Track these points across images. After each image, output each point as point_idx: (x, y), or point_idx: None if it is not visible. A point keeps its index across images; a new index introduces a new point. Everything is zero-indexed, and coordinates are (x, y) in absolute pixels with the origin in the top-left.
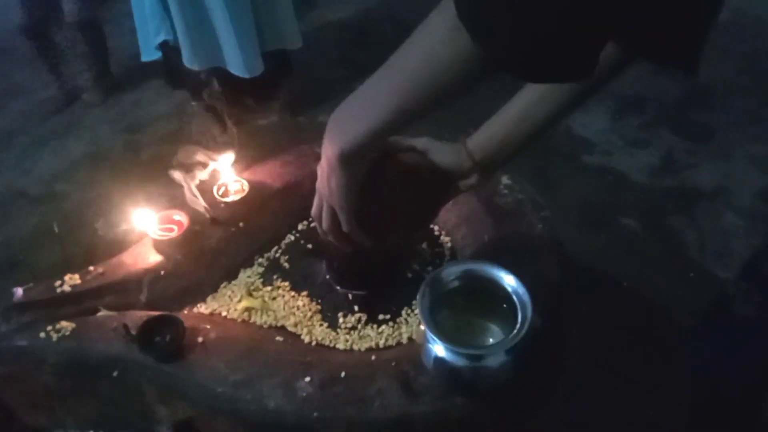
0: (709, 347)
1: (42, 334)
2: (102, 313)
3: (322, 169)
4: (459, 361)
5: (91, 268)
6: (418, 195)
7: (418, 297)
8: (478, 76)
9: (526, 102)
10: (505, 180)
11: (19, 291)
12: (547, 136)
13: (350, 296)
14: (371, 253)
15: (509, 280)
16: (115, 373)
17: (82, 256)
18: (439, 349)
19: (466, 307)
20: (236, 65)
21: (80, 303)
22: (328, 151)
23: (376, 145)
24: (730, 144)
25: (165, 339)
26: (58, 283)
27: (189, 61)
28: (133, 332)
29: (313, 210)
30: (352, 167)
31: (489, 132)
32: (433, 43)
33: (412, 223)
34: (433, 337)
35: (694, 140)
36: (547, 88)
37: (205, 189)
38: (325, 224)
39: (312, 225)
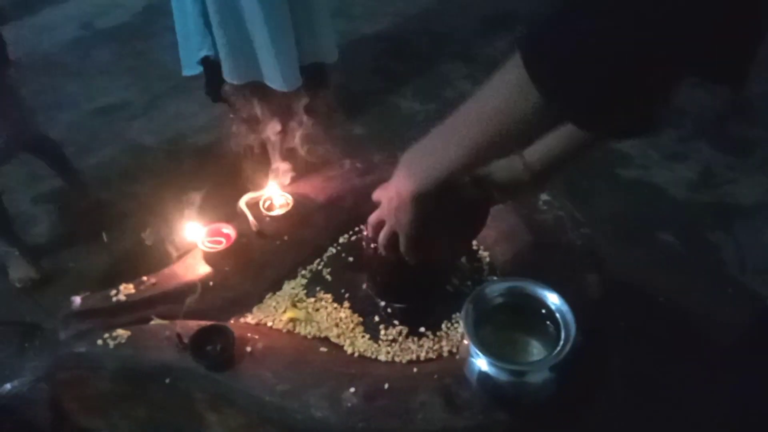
0: (749, 368)
1: (100, 342)
2: (155, 321)
3: (391, 200)
4: (502, 377)
5: (145, 278)
6: (464, 212)
7: (462, 312)
8: (546, 127)
9: None
10: (544, 196)
11: (77, 300)
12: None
13: (390, 309)
14: (413, 267)
15: (553, 299)
16: (167, 380)
17: (129, 265)
18: (482, 363)
19: (509, 323)
20: (275, 79)
21: (134, 312)
22: (402, 189)
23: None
24: None
25: (216, 348)
26: (113, 292)
27: (229, 75)
28: (186, 341)
29: (372, 218)
30: (423, 204)
31: (547, 145)
32: (504, 96)
33: (461, 239)
34: (478, 351)
35: (733, 154)
36: None
37: (251, 203)
38: (383, 239)
39: (353, 239)
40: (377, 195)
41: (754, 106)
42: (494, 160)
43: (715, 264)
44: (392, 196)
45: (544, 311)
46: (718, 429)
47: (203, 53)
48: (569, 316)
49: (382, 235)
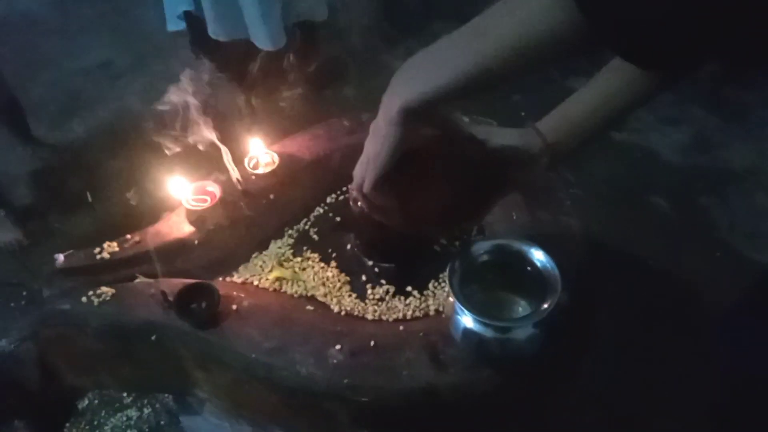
0: (745, 331)
1: (84, 299)
2: (139, 279)
3: (377, 125)
4: (487, 333)
5: (129, 236)
6: (464, 190)
7: (447, 270)
8: (572, 51)
9: (607, 87)
10: None
11: (60, 257)
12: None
13: (378, 269)
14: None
15: (538, 255)
16: (153, 338)
17: (115, 224)
18: (467, 320)
19: (495, 281)
20: (260, 37)
21: (118, 270)
22: (390, 104)
23: (439, 110)
24: (765, 123)
25: (201, 306)
26: (97, 250)
27: (213, 32)
28: (170, 299)
29: (356, 167)
30: (407, 126)
31: (563, 114)
32: (531, 11)
33: (454, 215)
34: (462, 308)
35: (726, 119)
36: (631, 76)
37: (236, 161)
38: (357, 179)
39: (340, 198)
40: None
41: (749, 70)
42: (493, 84)
43: (705, 228)
44: (378, 121)
45: (529, 269)
46: (706, 391)
47: (183, 8)
48: (554, 273)
49: (358, 171)
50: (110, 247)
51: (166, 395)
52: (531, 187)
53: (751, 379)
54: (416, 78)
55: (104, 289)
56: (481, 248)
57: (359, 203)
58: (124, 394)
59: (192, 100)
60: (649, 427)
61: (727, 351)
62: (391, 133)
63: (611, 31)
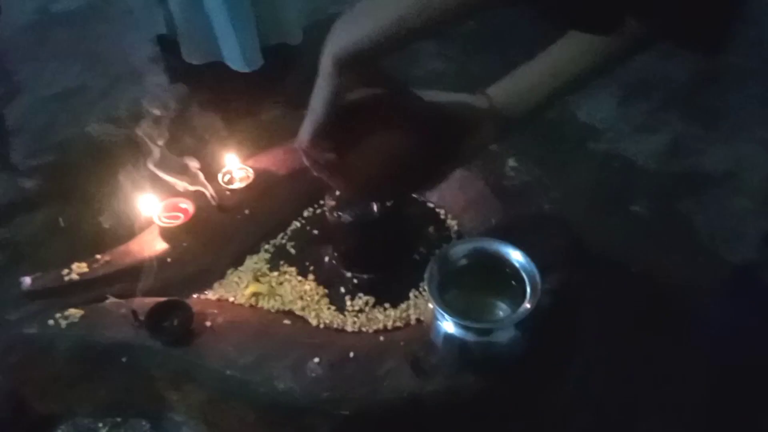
0: (727, 330)
1: (51, 322)
2: (110, 300)
3: (316, 80)
4: (468, 337)
5: (98, 256)
6: (409, 150)
7: (426, 275)
8: (495, 4)
9: (560, 55)
10: (511, 162)
11: (27, 280)
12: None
13: (356, 280)
14: (379, 234)
15: (516, 256)
16: (124, 359)
17: (88, 248)
18: (448, 325)
19: (475, 285)
20: (235, 60)
21: (88, 291)
22: (325, 57)
23: (370, 61)
24: (740, 128)
25: (173, 323)
26: (65, 271)
27: (187, 55)
28: (142, 318)
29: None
30: (338, 76)
31: (514, 79)
32: None
33: (400, 179)
34: (442, 313)
35: (702, 125)
36: (587, 45)
37: (210, 176)
38: (298, 135)
39: (317, 212)
40: None
41: (723, 76)
42: (422, 33)
43: (685, 233)
44: (317, 78)
45: (508, 270)
46: (693, 389)
47: (157, 31)
48: (534, 273)
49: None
50: (79, 268)
51: (143, 422)
52: (509, 193)
53: (736, 375)
54: (348, 30)
55: (72, 311)
56: (459, 252)
57: (335, 213)
58: (100, 424)
59: (166, 123)
60: (641, 426)
61: (711, 349)
62: (325, 86)
63: None
